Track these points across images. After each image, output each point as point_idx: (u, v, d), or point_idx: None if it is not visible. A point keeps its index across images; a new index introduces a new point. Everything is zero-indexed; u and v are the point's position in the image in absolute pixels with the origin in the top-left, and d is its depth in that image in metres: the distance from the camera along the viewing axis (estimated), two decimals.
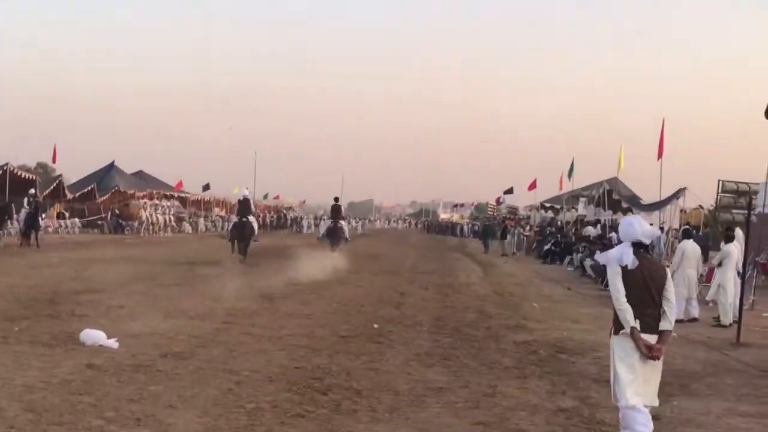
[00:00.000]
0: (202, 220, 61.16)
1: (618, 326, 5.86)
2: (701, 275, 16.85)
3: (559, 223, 46.98)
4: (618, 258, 5.87)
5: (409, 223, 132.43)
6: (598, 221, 38.45)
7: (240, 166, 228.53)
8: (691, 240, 15.96)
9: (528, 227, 49.25)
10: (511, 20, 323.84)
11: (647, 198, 36.28)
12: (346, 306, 14.87)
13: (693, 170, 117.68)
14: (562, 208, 49.69)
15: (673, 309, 5.85)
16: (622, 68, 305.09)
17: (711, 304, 15.97)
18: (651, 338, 5.77)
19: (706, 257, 20.08)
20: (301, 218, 79.98)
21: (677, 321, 7.57)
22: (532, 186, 55.23)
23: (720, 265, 15.47)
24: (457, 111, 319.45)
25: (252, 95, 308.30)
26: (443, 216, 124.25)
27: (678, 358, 10.21)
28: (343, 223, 31.04)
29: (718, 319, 14.85)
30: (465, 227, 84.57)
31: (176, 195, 60.02)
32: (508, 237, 44.78)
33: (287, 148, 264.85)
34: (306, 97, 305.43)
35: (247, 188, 28.87)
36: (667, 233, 27.12)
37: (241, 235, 25.28)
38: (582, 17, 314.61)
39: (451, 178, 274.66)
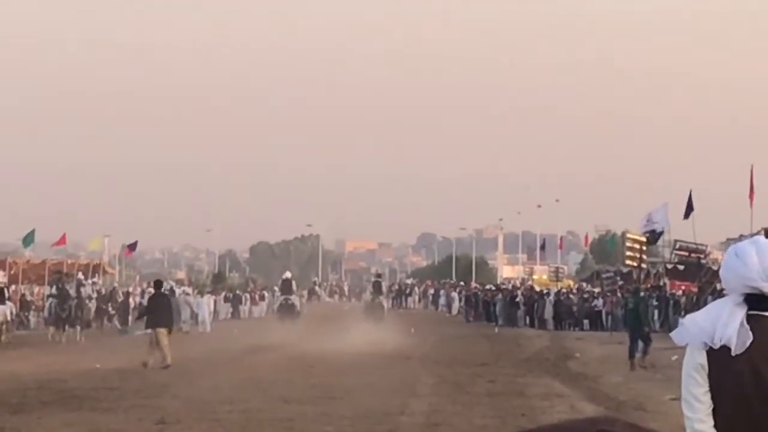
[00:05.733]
0: None
1: None
2: None
3: None
4: (700, 330, 2.52)
5: (415, 292, 56.30)
6: None
7: None
8: None
9: None
10: None
11: None
12: None
13: None
14: None
15: None
16: None
17: None
18: None
19: None
20: (126, 294, 36.88)
21: None
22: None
23: None
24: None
25: None
26: (507, 272, 68.78)
27: None
28: (382, 298, 36.18)
29: None
30: (577, 300, 37.22)
31: None
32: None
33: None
34: None
35: (288, 271, 40.56)
36: None
37: (289, 314, 34.29)
38: None
39: (517, 175, 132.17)
